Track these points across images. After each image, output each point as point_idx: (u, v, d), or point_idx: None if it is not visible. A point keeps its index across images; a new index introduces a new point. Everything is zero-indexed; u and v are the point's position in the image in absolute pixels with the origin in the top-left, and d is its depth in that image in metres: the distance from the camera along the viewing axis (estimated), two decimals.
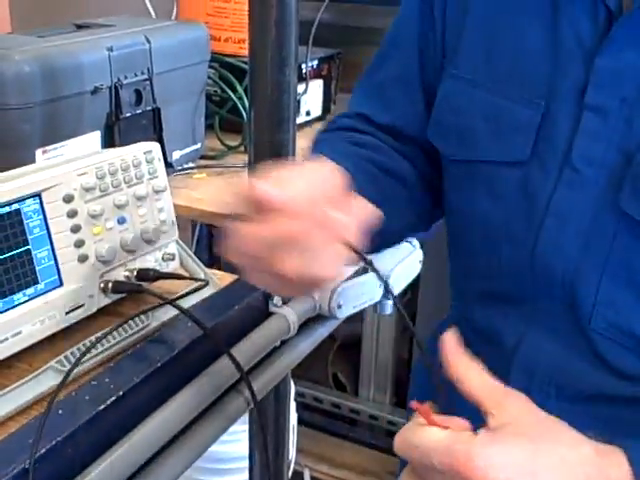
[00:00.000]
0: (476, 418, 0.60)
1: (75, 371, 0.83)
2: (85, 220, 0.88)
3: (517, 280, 0.79)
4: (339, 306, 1.04)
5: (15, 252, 0.83)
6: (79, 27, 1.37)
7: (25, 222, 0.84)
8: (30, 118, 1.14)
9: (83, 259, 0.88)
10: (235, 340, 0.92)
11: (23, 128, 1.14)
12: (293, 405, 1.64)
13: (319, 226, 0.61)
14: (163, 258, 0.97)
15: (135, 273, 0.92)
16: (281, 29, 1.02)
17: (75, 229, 0.87)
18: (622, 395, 0.75)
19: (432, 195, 0.91)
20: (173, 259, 0.98)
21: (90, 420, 0.73)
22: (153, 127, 1.36)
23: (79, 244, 0.88)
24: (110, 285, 0.90)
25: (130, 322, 0.90)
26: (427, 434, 0.58)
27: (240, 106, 1.58)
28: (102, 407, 0.75)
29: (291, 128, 1.09)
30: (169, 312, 0.93)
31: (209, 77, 1.53)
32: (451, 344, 0.63)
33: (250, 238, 0.62)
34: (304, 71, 1.68)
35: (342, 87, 1.85)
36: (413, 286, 1.74)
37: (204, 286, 0.95)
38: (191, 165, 1.50)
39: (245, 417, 1.18)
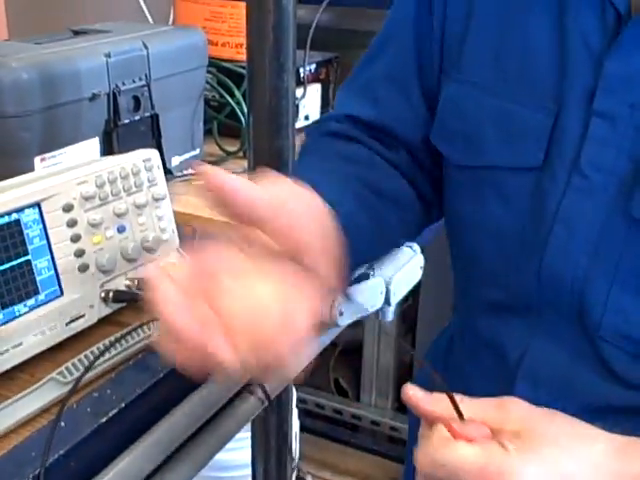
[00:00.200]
0: None
1: None
2: (85, 229, 0.87)
3: (523, 288, 0.78)
4: (340, 313, 1.03)
5: (15, 262, 0.82)
6: (76, 33, 1.36)
7: (25, 232, 0.83)
8: (28, 126, 1.13)
9: (83, 269, 0.87)
10: None
11: (21, 136, 1.13)
12: (295, 412, 1.63)
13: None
14: None
15: (136, 282, 0.91)
16: (279, 34, 1.02)
17: (75, 238, 0.87)
18: (631, 406, 0.74)
19: (423, 204, 0.90)
20: None
21: (93, 432, 0.73)
22: (152, 133, 1.35)
23: (79, 253, 0.87)
24: (111, 295, 0.89)
25: (131, 332, 0.89)
26: (454, 452, 0.57)
27: (238, 111, 1.57)
28: (104, 419, 0.74)
29: (290, 134, 1.08)
30: None
31: (207, 82, 1.53)
32: (419, 394, 0.61)
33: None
34: (302, 75, 1.68)
35: None
36: (414, 292, 1.73)
37: None
38: (190, 171, 1.49)
39: (247, 424, 1.18)
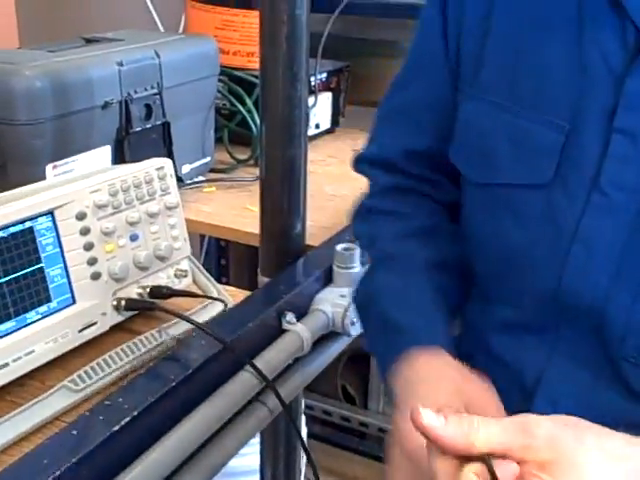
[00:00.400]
0: None
1: (89, 390, 0.83)
2: (98, 237, 0.88)
3: (540, 307, 0.77)
4: (352, 323, 1.03)
5: (28, 270, 0.82)
6: (88, 41, 1.37)
7: (38, 240, 0.83)
8: (41, 133, 1.14)
9: (96, 277, 0.88)
10: (249, 357, 0.91)
11: (34, 143, 1.14)
12: (302, 418, 1.63)
13: None
14: (175, 275, 0.97)
15: (148, 290, 0.92)
16: (292, 44, 1.02)
17: (88, 247, 0.87)
18: None
19: None
20: (186, 276, 0.98)
21: (105, 441, 0.73)
22: (163, 141, 1.36)
23: (92, 262, 0.87)
24: (123, 303, 0.90)
25: (143, 339, 0.89)
26: None
27: (249, 119, 1.57)
28: (117, 428, 0.74)
29: (302, 143, 1.09)
30: (182, 329, 0.92)
31: (218, 90, 1.53)
32: (433, 421, 0.57)
33: None
34: (313, 84, 1.68)
35: (351, 100, 1.85)
36: None
37: (217, 303, 0.95)
38: (201, 179, 1.50)
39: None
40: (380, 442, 2.38)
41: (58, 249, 0.85)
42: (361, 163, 0.95)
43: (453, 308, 0.86)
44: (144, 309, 0.93)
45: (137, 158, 1.15)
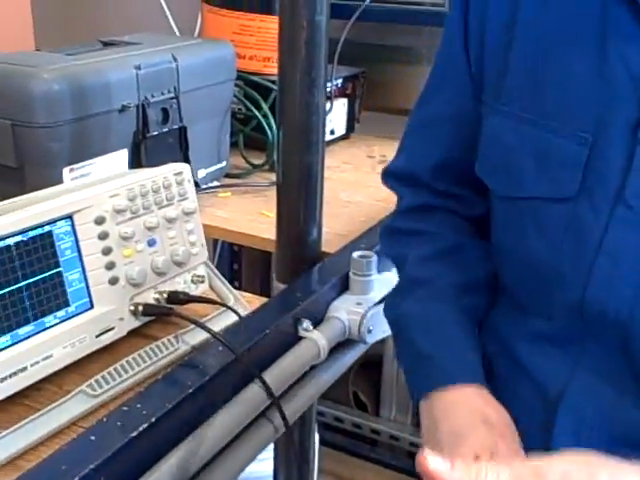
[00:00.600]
0: None
1: (105, 396, 0.82)
2: (116, 242, 0.88)
3: (565, 320, 0.76)
4: (369, 331, 1.03)
5: (47, 274, 0.82)
6: (106, 45, 1.37)
7: (57, 244, 0.83)
8: (58, 136, 1.14)
9: (114, 281, 0.88)
10: (265, 364, 0.91)
11: (51, 146, 1.14)
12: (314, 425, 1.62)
13: None
14: (192, 280, 0.97)
15: (165, 296, 0.92)
16: (311, 50, 1.02)
17: (106, 251, 0.87)
18: None
19: None
20: (202, 281, 0.98)
21: (123, 447, 0.72)
22: (179, 146, 1.35)
23: (110, 266, 0.87)
24: (140, 308, 0.90)
25: (160, 345, 0.89)
26: None
27: (265, 124, 1.57)
28: (135, 433, 0.74)
29: (320, 149, 1.09)
30: (199, 336, 0.92)
31: (234, 95, 1.53)
32: (439, 466, 0.58)
33: None
34: (329, 90, 1.67)
35: (366, 105, 1.84)
36: None
37: (233, 309, 0.95)
38: (216, 183, 1.49)
39: None
40: (392, 449, 2.38)
41: (76, 253, 0.85)
42: (389, 177, 0.95)
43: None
44: (161, 314, 0.92)
45: (153, 162, 1.15)
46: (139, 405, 0.78)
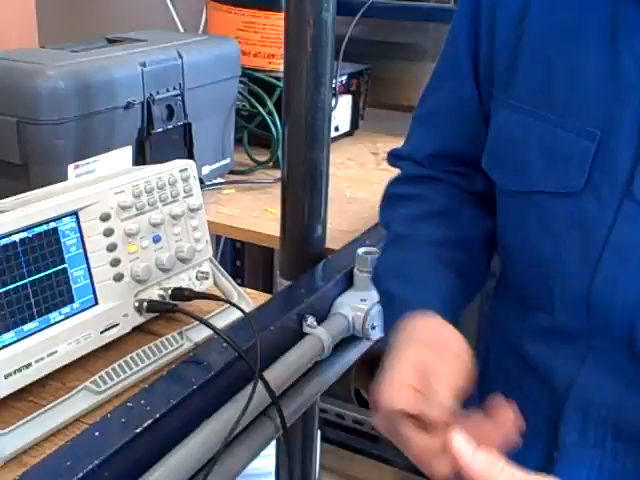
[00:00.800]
0: None
1: (109, 392, 0.83)
2: (121, 239, 0.88)
3: (571, 315, 0.77)
4: (373, 327, 1.03)
5: (52, 271, 0.82)
6: (111, 41, 1.37)
7: (62, 240, 0.83)
8: (63, 133, 1.14)
9: (118, 278, 0.88)
10: (269, 360, 0.91)
11: (56, 143, 1.14)
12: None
13: None
14: (197, 277, 0.97)
15: (170, 292, 0.92)
16: (317, 47, 1.02)
17: (111, 248, 0.87)
18: None
19: None
20: (207, 278, 0.98)
21: (127, 443, 0.72)
22: (184, 142, 1.36)
23: (115, 263, 0.87)
24: (145, 304, 0.90)
25: (164, 341, 0.89)
26: None
27: (269, 121, 1.57)
28: (139, 430, 0.74)
29: (325, 146, 1.09)
30: (203, 332, 0.92)
31: (238, 92, 1.53)
32: (463, 448, 0.61)
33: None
34: (333, 86, 1.67)
35: (370, 102, 1.84)
36: None
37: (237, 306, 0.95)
38: (220, 180, 1.50)
39: None
40: (393, 446, 2.38)
41: (81, 250, 0.85)
42: (394, 157, 0.96)
43: (471, 283, 0.87)
44: (165, 311, 0.93)
45: (158, 159, 1.15)
46: (143, 401, 0.78)
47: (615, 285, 0.72)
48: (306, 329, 0.98)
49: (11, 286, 0.78)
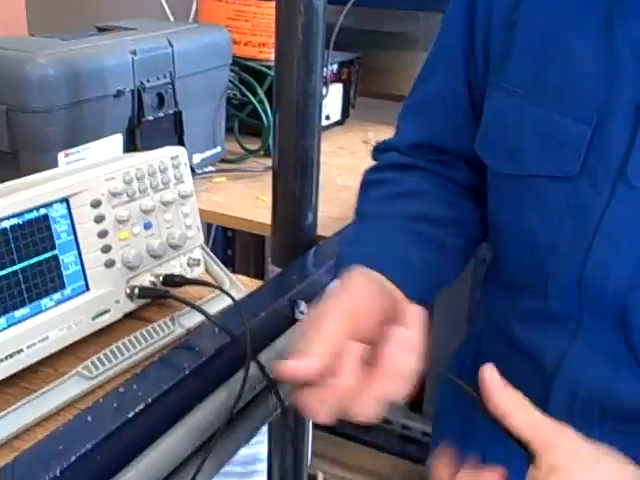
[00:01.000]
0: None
1: (101, 377, 0.83)
2: (112, 225, 0.88)
3: (563, 298, 0.77)
4: None
5: (43, 257, 0.82)
6: (101, 30, 1.37)
7: (53, 227, 0.83)
8: (53, 121, 1.14)
9: (110, 264, 0.88)
10: (261, 346, 0.92)
11: (46, 131, 1.14)
12: None
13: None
14: (188, 263, 0.97)
15: (161, 279, 0.92)
16: (308, 35, 1.02)
17: (102, 234, 0.87)
18: None
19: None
20: (198, 265, 0.98)
21: (119, 427, 0.73)
22: (175, 130, 1.36)
23: (106, 249, 0.87)
24: (136, 290, 0.90)
25: (156, 328, 0.89)
26: None
27: (260, 110, 1.57)
28: (131, 414, 0.74)
29: (316, 133, 1.09)
30: (195, 318, 0.92)
31: (229, 81, 1.53)
32: (493, 378, 0.63)
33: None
34: (324, 75, 1.68)
35: (361, 91, 1.84)
36: None
37: (229, 292, 0.95)
38: (211, 169, 1.50)
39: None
40: (386, 433, 2.39)
41: (72, 236, 0.85)
42: (377, 151, 0.96)
43: (445, 260, 0.85)
44: (157, 297, 0.93)
45: (149, 147, 1.14)
46: (135, 386, 0.78)
47: (607, 268, 0.73)
48: (298, 315, 0.98)
49: (2, 272, 0.78)
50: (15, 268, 0.80)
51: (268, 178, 1.14)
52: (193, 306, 0.88)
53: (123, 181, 0.89)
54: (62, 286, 0.85)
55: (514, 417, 0.61)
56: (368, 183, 0.93)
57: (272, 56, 1.07)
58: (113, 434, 0.72)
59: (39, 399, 0.78)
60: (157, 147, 0.99)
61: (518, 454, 0.61)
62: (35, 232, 0.82)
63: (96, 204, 0.86)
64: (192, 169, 1.39)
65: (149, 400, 0.76)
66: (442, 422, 1.04)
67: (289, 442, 1.30)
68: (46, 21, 2.13)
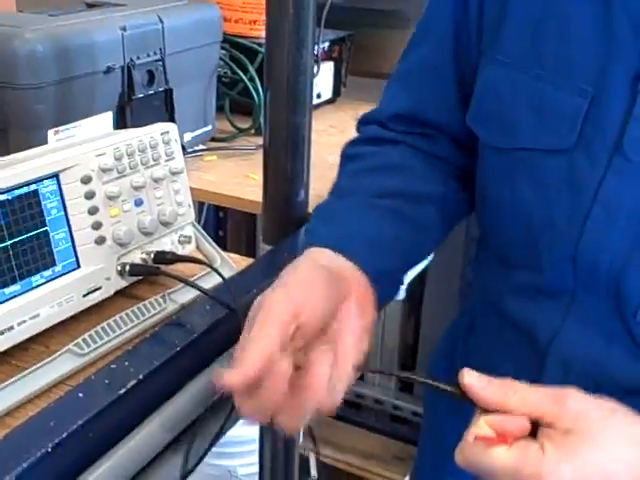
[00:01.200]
0: None
1: (93, 354, 0.82)
2: (103, 202, 0.87)
3: (557, 272, 0.77)
4: None
5: (33, 233, 0.82)
6: (90, 6, 1.35)
7: (43, 203, 0.83)
8: (43, 98, 1.13)
9: (100, 241, 0.87)
10: None
11: (35, 108, 1.13)
12: None
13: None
14: (179, 241, 0.97)
15: (152, 256, 0.91)
16: (299, 10, 1.01)
17: (93, 211, 0.86)
18: None
19: (471, 192, 0.90)
20: (189, 242, 0.97)
21: (111, 404, 0.73)
22: (165, 108, 1.35)
23: (96, 226, 0.87)
24: (127, 267, 0.89)
25: (147, 305, 0.89)
26: (491, 456, 0.58)
27: (251, 88, 1.56)
28: (122, 391, 0.74)
29: (307, 110, 1.08)
30: (186, 295, 0.92)
31: (220, 58, 1.52)
32: (473, 380, 0.62)
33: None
34: (315, 53, 1.66)
35: (353, 69, 1.84)
36: (420, 273, 1.73)
37: (220, 269, 0.95)
38: (202, 147, 1.49)
39: None
40: (377, 414, 2.40)
41: (63, 213, 0.85)
42: (360, 123, 0.95)
43: (420, 236, 0.84)
44: (148, 274, 0.92)
45: (139, 125, 1.13)
46: (127, 363, 0.78)
47: (603, 241, 0.72)
48: None
49: None
50: (5, 244, 0.79)
51: (259, 156, 1.14)
52: (186, 282, 0.88)
53: (113, 157, 0.88)
54: (53, 263, 0.84)
55: (510, 407, 0.60)
56: (347, 157, 0.92)
57: (263, 33, 1.07)
58: (105, 410, 0.72)
59: (30, 376, 0.78)
60: (148, 125, 0.99)
61: None
62: (25, 208, 0.81)
63: (86, 180, 0.86)
64: (183, 147, 1.38)
65: (140, 376, 0.76)
66: (433, 402, 1.04)
67: None
68: None
